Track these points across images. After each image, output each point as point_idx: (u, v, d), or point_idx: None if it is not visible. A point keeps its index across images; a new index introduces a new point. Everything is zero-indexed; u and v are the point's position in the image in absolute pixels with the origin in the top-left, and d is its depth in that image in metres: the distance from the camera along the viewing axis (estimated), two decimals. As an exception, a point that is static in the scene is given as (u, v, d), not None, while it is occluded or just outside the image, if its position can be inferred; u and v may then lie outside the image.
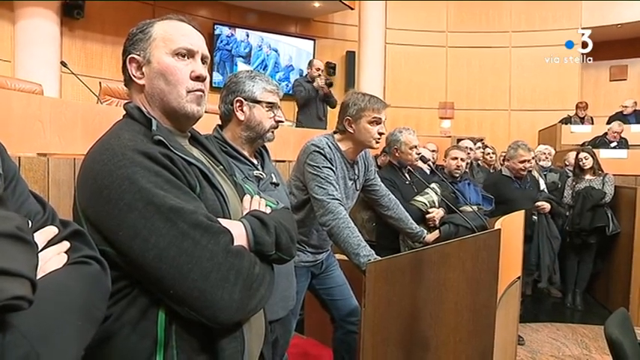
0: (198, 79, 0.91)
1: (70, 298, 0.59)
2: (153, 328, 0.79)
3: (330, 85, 4.79)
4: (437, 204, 2.52)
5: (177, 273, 0.75)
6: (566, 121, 6.89)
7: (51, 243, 0.62)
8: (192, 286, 0.76)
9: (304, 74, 5.19)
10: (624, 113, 6.54)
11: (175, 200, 0.78)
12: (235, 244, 0.83)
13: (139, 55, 0.91)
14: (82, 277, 0.62)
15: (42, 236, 0.61)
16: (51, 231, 0.63)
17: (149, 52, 0.90)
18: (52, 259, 0.60)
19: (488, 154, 4.64)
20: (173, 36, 0.91)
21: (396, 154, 2.54)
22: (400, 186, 2.51)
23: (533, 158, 3.59)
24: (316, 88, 4.74)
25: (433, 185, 2.59)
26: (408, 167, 2.63)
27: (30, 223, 0.58)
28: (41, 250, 0.59)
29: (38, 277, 0.55)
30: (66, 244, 0.64)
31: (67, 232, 0.66)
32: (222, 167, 1.03)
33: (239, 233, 0.85)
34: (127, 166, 0.78)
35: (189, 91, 0.91)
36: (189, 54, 0.92)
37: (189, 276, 0.76)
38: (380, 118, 1.86)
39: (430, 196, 2.53)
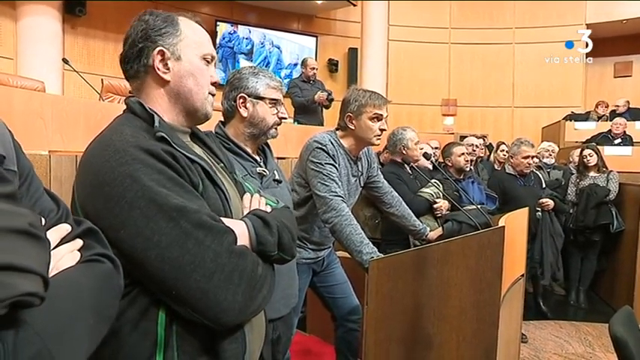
0: (214, 84, 0.96)
1: (82, 296, 0.58)
2: (153, 329, 0.78)
3: (331, 100, 4.65)
4: (442, 195, 2.63)
5: (180, 273, 0.74)
6: (577, 117, 6.88)
7: (64, 241, 0.62)
8: (194, 286, 0.74)
9: (300, 74, 5.13)
10: (617, 112, 6.54)
11: (178, 199, 0.77)
12: (238, 243, 0.82)
13: (167, 49, 0.89)
14: (95, 276, 0.62)
15: (55, 234, 0.60)
16: (64, 228, 0.63)
17: (179, 49, 0.90)
18: (65, 256, 0.60)
19: (503, 150, 4.54)
20: (202, 40, 0.94)
21: (403, 152, 2.61)
22: (406, 181, 2.56)
23: (535, 156, 3.56)
24: (315, 100, 4.64)
25: (434, 180, 2.68)
26: (411, 164, 2.64)
27: (44, 220, 0.57)
28: (54, 248, 0.58)
29: (51, 275, 0.54)
30: (79, 242, 0.63)
31: (80, 229, 0.65)
32: (222, 165, 1.02)
33: (241, 233, 0.84)
34: (129, 163, 0.76)
35: (208, 94, 0.95)
36: (212, 60, 0.95)
37: (191, 276, 0.74)
38: (381, 114, 1.85)
39: (435, 187, 2.63)
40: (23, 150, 0.66)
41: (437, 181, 2.66)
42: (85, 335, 0.57)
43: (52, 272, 0.55)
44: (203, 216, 0.78)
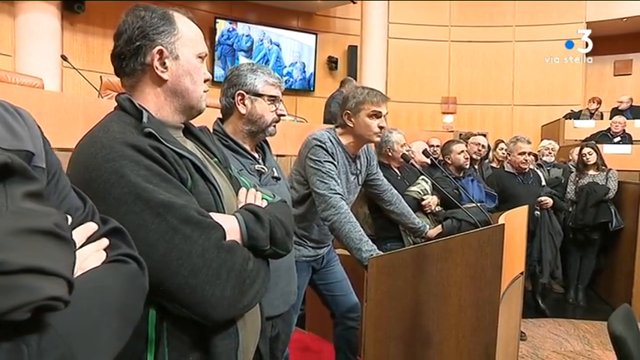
0: (206, 81, 0.97)
1: (108, 298, 0.57)
2: (143, 326, 0.77)
3: None
4: (429, 191, 2.65)
5: (167, 269, 0.74)
6: (574, 116, 6.87)
7: (90, 240, 0.61)
8: (182, 282, 0.74)
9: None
10: (619, 109, 6.54)
11: (165, 194, 0.76)
12: (228, 238, 0.81)
13: (166, 47, 0.89)
14: (121, 276, 0.61)
15: (81, 232, 0.60)
16: (90, 227, 0.62)
17: (177, 48, 0.90)
18: (91, 256, 0.59)
19: (502, 149, 4.50)
20: (197, 37, 0.94)
21: (389, 154, 2.64)
22: (393, 182, 2.56)
23: (535, 153, 3.54)
24: None
25: (422, 176, 2.69)
26: (412, 162, 2.64)
27: (70, 218, 0.56)
28: (80, 247, 0.57)
29: (76, 275, 0.53)
30: (105, 242, 0.62)
31: (107, 228, 0.65)
32: (216, 160, 1.01)
33: (232, 228, 0.83)
34: (115, 159, 0.76)
35: (203, 92, 0.96)
36: (205, 57, 0.96)
37: (179, 272, 0.74)
38: (379, 112, 1.84)
39: (422, 185, 2.65)
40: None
41: (424, 177, 2.67)
42: (110, 338, 0.55)
43: (77, 273, 0.54)
44: (190, 211, 0.77)
